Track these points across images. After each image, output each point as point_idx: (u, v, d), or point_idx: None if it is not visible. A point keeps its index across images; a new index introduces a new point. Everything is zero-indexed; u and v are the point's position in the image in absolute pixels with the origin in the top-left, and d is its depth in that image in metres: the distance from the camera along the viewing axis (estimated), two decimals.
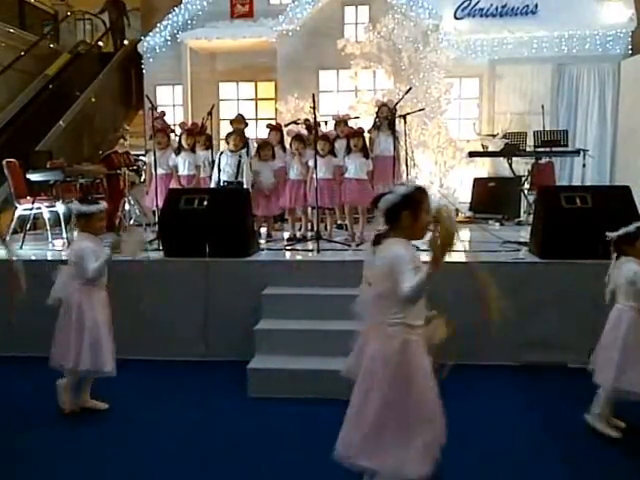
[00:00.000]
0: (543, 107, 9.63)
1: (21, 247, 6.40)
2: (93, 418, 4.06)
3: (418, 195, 2.65)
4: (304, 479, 3.33)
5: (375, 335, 2.65)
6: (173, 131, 7.41)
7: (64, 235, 6.70)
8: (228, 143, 6.71)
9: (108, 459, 3.55)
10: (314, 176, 6.26)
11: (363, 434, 2.65)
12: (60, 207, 6.96)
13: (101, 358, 3.97)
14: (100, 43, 13.35)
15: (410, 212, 2.61)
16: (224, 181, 6.62)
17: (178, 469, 3.43)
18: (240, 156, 6.67)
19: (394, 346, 2.58)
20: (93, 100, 11.52)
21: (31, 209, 7.01)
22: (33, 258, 5.94)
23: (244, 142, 6.87)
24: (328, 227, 6.96)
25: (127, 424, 3.99)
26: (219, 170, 6.63)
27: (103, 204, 4.22)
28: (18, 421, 4.02)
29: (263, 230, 6.91)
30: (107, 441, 3.77)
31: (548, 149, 8.65)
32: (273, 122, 8.14)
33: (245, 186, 6.58)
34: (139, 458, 3.55)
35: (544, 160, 8.82)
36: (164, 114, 8.29)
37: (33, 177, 7.08)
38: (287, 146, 7.15)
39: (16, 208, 7.05)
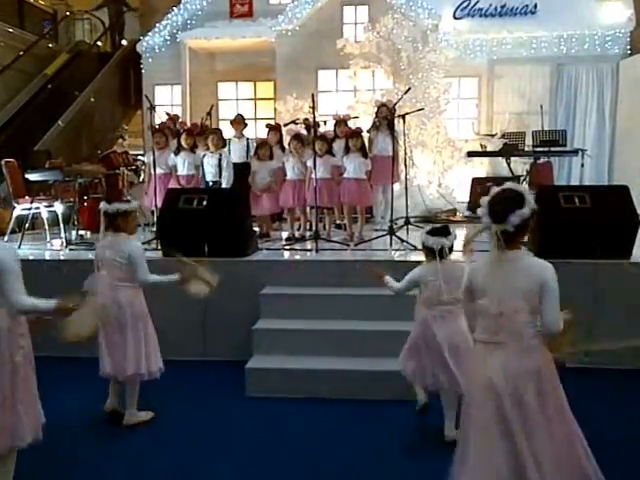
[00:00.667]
0: (542, 107, 9.65)
1: (19, 247, 6.39)
2: (90, 417, 4.06)
3: None
4: (302, 478, 3.33)
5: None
6: (179, 132, 7.40)
7: (62, 235, 6.69)
8: (208, 144, 6.77)
9: (106, 457, 3.55)
10: (313, 176, 6.27)
11: None
12: (59, 207, 6.96)
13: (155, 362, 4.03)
14: (99, 43, 13.34)
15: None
16: (210, 181, 6.70)
17: (176, 468, 3.43)
18: (220, 155, 6.72)
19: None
20: (92, 100, 11.52)
21: (29, 209, 7.00)
22: (31, 258, 5.94)
23: (223, 142, 6.96)
24: (327, 227, 6.96)
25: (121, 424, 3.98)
26: (204, 172, 6.75)
27: (136, 202, 4.15)
28: None
29: (260, 230, 6.92)
30: (104, 440, 3.78)
31: (546, 149, 8.65)
32: (272, 122, 8.15)
33: (224, 185, 6.62)
34: (136, 457, 3.55)
35: (542, 160, 8.82)
36: (178, 117, 8.37)
37: (32, 177, 7.07)
38: (286, 146, 7.15)
39: (14, 208, 7.04)
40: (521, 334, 2.50)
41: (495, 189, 2.58)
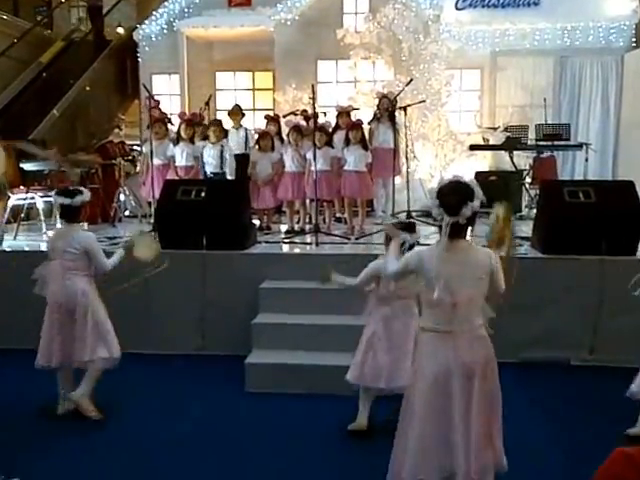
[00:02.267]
0: (545, 100, 9.53)
1: (15, 238, 6.28)
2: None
3: None
4: (300, 473, 3.31)
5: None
6: (170, 120, 7.27)
7: (58, 226, 6.57)
8: (209, 135, 6.64)
9: (105, 452, 3.53)
10: (312, 168, 6.16)
11: None
12: (54, 197, 6.83)
13: (115, 347, 3.99)
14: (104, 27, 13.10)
15: None
16: (210, 172, 6.59)
17: (174, 462, 3.41)
18: (222, 146, 6.61)
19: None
20: (88, 89, 11.34)
21: (25, 199, 6.88)
22: (27, 249, 5.83)
23: (224, 132, 6.86)
24: (327, 220, 6.87)
25: (123, 418, 3.97)
26: (203, 163, 6.64)
27: (87, 193, 4.13)
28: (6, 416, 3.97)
29: (260, 222, 6.81)
30: (104, 434, 3.75)
31: (550, 143, 8.56)
32: (271, 113, 8.03)
33: (228, 176, 6.52)
34: (134, 451, 3.53)
35: (546, 154, 8.75)
36: (159, 103, 8.18)
37: (27, 166, 6.94)
38: (285, 137, 7.04)
39: (9, 198, 6.92)
40: (473, 323, 2.61)
41: (443, 181, 2.68)
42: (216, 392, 4.40)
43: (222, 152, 6.63)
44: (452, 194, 2.56)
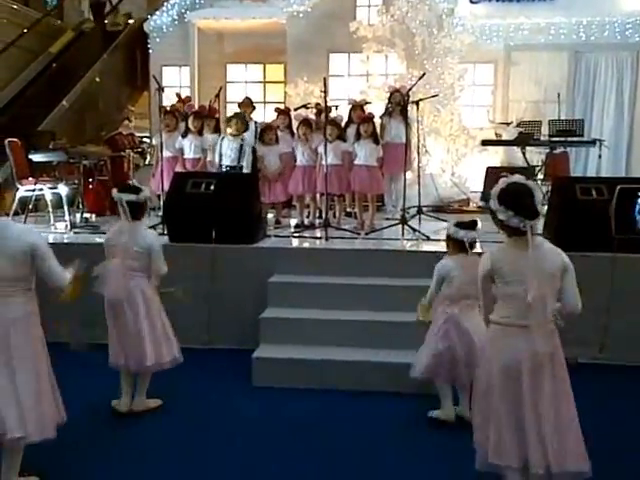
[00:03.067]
0: (559, 95, 9.43)
1: None
2: (99, 405, 4.00)
3: None
4: (306, 468, 3.29)
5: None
6: (187, 115, 7.22)
7: (67, 218, 6.55)
8: (229, 127, 6.57)
9: (112, 445, 3.53)
10: (323, 162, 6.10)
11: None
12: (62, 189, 6.81)
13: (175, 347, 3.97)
14: (105, 21, 13.08)
15: None
16: (226, 166, 6.49)
17: (181, 456, 3.40)
18: (242, 140, 6.52)
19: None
20: (97, 80, 11.31)
21: (33, 190, 6.85)
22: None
23: (246, 126, 6.73)
24: (337, 214, 6.81)
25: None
26: (220, 155, 6.52)
27: (147, 189, 4.05)
28: None
29: (270, 216, 6.75)
30: (111, 428, 3.74)
31: (563, 139, 8.50)
32: (282, 106, 7.96)
33: (245, 170, 6.45)
34: (141, 445, 3.53)
35: (559, 150, 8.65)
36: (189, 99, 8.18)
37: (35, 158, 6.92)
38: (295, 131, 6.97)
39: (17, 189, 6.90)
40: (547, 317, 2.64)
41: (507, 183, 2.66)
42: (223, 386, 4.39)
43: (242, 145, 6.54)
44: (527, 196, 2.60)
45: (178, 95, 8.21)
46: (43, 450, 3.00)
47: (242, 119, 6.69)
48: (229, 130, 6.57)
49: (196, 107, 7.59)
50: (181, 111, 7.46)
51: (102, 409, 3.93)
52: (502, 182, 2.67)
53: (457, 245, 3.67)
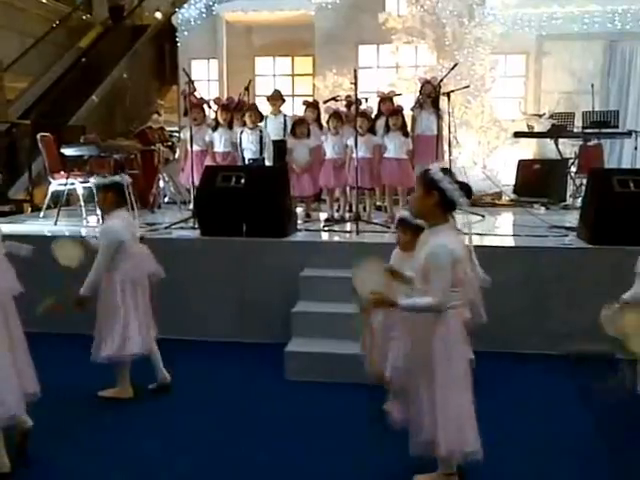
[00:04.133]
0: (593, 86, 9.21)
1: (55, 223, 6.32)
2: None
3: None
4: (338, 462, 3.27)
5: None
6: (208, 104, 7.20)
7: (98, 211, 6.59)
8: (245, 121, 6.56)
9: (143, 437, 3.55)
10: (353, 155, 6.04)
11: None
12: (94, 183, 6.85)
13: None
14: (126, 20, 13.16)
15: None
16: (249, 159, 6.49)
17: (212, 449, 3.41)
18: (260, 131, 6.51)
19: None
20: (125, 75, 11.38)
21: (65, 184, 6.91)
22: (67, 234, 5.86)
23: (261, 117, 6.76)
24: (367, 208, 6.74)
25: (161, 403, 3.99)
26: (242, 149, 6.53)
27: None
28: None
29: (300, 210, 6.72)
30: (141, 419, 3.78)
31: (597, 130, 8.31)
32: (310, 99, 7.91)
33: (267, 162, 6.43)
34: (173, 437, 3.54)
35: (593, 142, 8.47)
36: (195, 90, 8.14)
37: (67, 152, 6.96)
38: (324, 124, 6.92)
39: (50, 183, 6.97)
40: None
41: (441, 169, 2.77)
42: (255, 379, 4.40)
43: (261, 137, 6.53)
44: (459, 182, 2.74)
45: (184, 90, 8.14)
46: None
47: (256, 110, 6.70)
48: (247, 123, 6.60)
49: (223, 100, 7.58)
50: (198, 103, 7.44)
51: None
52: (434, 166, 2.80)
53: None
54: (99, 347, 3.85)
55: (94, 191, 4.12)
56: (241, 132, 6.66)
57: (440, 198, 2.70)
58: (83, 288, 3.82)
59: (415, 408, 2.80)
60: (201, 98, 7.47)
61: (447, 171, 2.85)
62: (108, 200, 3.98)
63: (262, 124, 6.77)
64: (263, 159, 6.53)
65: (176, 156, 8.50)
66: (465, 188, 2.77)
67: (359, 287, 2.87)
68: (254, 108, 6.81)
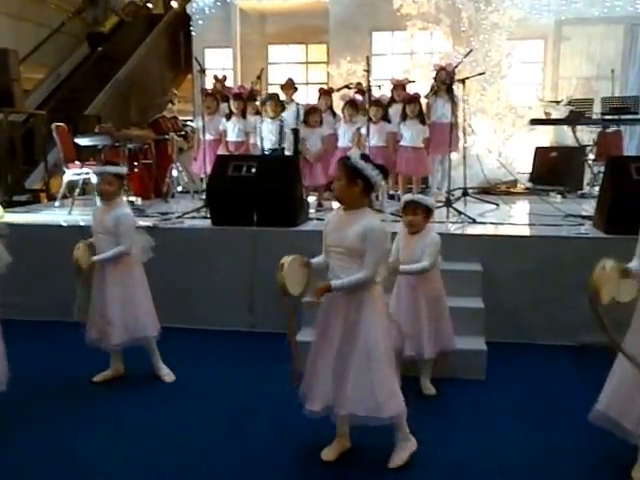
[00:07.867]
0: (613, 71, 9.03)
1: (70, 213, 6.37)
2: (136, 384, 4.09)
3: None
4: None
5: None
6: (227, 99, 7.18)
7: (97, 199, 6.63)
8: (266, 110, 6.50)
9: (153, 426, 3.55)
10: (367, 144, 5.99)
11: None
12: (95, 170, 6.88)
13: None
14: (149, 5, 13.15)
15: None
16: (268, 149, 6.45)
17: (224, 439, 3.41)
18: (281, 121, 6.46)
19: None
20: (141, 65, 11.40)
21: (79, 174, 6.96)
22: (82, 224, 5.89)
23: (282, 107, 6.70)
24: (380, 197, 6.69)
25: (172, 392, 4.01)
26: (261, 139, 6.49)
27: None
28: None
29: (312, 199, 6.69)
30: (152, 408, 3.78)
31: (617, 117, 8.15)
32: (324, 86, 7.86)
33: (287, 152, 6.39)
34: (183, 426, 3.54)
35: (612, 129, 8.34)
36: (225, 78, 8.16)
37: (82, 142, 7.00)
38: (337, 112, 6.86)
39: (65, 173, 7.01)
40: None
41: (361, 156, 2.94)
42: (266, 369, 4.37)
43: (282, 127, 6.49)
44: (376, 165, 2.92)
45: (215, 77, 8.19)
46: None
47: (277, 100, 6.65)
48: (267, 113, 6.53)
49: (235, 89, 7.56)
50: (222, 92, 7.44)
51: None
52: (353, 155, 2.95)
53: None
54: (105, 332, 3.90)
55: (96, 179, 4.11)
56: (261, 121, 6.62)
57: (364, 185, 2.89)
58: (98, 257, 3.91)
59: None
60: (229, 88, 7.46)
61: (365, 156, 3.00)
62: (117, 187, 4.00)
63: (284, 114, 6.72)
64: (283, 149, 6.50)
65: (190, 145, 8.52)
66: (381, 170, 2.96)
67: (290, 288, 3.09)
68: (275, 98, 6.75)
